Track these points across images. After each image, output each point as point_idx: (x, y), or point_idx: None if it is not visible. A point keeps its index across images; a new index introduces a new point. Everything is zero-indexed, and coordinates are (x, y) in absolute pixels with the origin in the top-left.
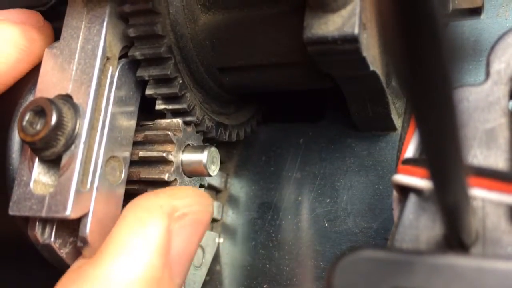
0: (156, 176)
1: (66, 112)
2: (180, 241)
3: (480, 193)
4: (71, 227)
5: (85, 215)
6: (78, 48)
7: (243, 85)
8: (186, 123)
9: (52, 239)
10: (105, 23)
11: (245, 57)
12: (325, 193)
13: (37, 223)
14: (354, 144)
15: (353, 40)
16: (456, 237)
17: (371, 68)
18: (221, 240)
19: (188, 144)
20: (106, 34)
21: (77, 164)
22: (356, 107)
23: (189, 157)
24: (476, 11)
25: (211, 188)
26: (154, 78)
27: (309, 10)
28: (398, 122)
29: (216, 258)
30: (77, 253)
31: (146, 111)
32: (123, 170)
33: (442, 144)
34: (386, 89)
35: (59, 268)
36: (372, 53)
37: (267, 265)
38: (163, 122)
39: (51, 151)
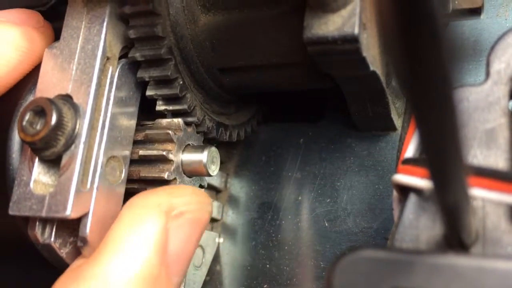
0: (156, 175)
1: (66, 112)
2: (178, 240)
3: (480, 193)
4: (71, 227)
5: (85, 215)
6: (78, 48)
7: (244, 85)
8: (187, 124)
9: (52, 239)
10: (105, 23)
11: (245, 58)
12: (325, 193)
13: (37, 223)
14: (354, 144)
15: (353, 40)
16: (456, 237)
17: (371, 68)
18: (221, 240)
19: (188, 144)
20: (106, 34)
21: (77, 164)
22: (356, 107)
23: (189, 156)
24: (476, 11)
25: (211, 188)
26: (154, 79)
27: (309, 10)
28: (398, 122)
29: (216, 258)
30: (77, 253)
31: (147, 111)
32: (123, 170)
33: (442, 144)
34: (386, 89)
35: (59, 268)
36: (372, 53)
37: (267, 265)
38: (164, 121)
39: (51, 151)
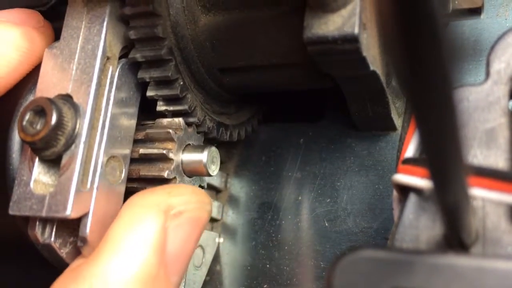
0: (156, 174)
1: (66, 112)
2: (176, 239)
3: (480, 193)
4: (71, 227)
5: (85, 215)
6: (78, 48)
7: (244, 85)
8: (188, 124)
9: (52, 239)
10: (105, 23)
11: (245, 58)
12: (325, 193)
13: (37, 223)
14: (354, 144)
15: (353, 40)
16: (456, 237)
17: (371, 68)
18: (221, 240)
19: (189, 144)
20: (106, 34)
21: (77, 164)
22: (356, 107)
23: (189, 156)
24: (476, 11)
25: (211, 188)
26: (155, 80)
27: (309, 10)
28: (398, 122)
29: (216, 258)
30: (77, 252)
31: (147, 111)
32: (123, 170)
33: (442, 144)
34: (386, 89)
35: (59, 267)
36: (372, 53)
37: (267, 265)
38: (165, 121)
39: (51, 151)
